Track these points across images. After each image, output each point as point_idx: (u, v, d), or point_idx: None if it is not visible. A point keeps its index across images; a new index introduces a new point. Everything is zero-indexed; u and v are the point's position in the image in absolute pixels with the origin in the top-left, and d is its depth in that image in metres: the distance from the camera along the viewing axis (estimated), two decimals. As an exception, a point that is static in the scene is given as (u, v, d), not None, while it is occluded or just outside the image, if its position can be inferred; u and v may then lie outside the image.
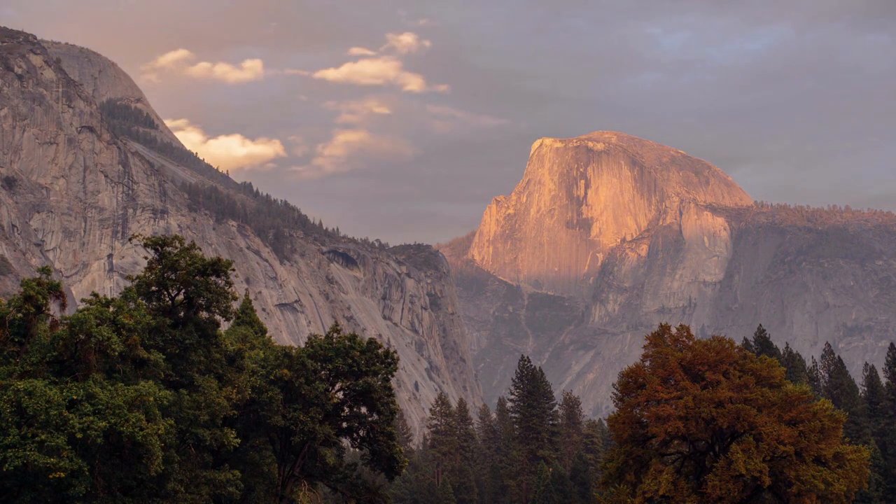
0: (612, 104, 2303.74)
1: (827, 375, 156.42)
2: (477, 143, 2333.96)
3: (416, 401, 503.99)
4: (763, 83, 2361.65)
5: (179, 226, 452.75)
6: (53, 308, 58.39)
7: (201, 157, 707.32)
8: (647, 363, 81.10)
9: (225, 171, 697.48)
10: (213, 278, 69.08)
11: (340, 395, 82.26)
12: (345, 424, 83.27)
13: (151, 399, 54.16)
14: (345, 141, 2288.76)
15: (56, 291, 57.49)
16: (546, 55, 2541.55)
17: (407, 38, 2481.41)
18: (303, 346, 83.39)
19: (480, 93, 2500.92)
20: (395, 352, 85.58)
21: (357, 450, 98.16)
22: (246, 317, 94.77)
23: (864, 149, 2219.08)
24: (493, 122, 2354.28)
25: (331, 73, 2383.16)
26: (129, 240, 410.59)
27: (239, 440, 69.54)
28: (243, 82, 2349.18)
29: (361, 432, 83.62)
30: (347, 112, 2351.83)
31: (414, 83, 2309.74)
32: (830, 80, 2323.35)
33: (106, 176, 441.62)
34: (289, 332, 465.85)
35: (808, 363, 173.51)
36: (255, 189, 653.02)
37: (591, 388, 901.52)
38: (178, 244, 69.27)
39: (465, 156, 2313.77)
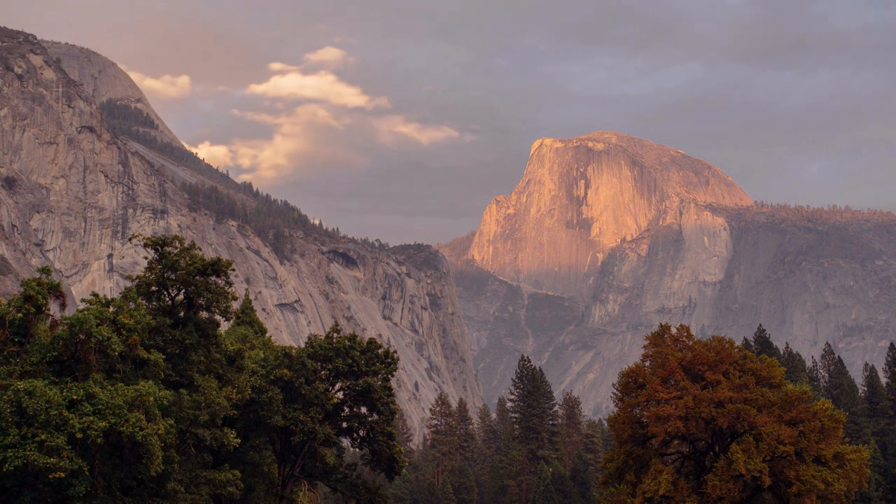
0: (549, 128, 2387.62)
1: (827, 375, 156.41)
2: (430, 154, 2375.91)
3: (416, 401, 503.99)
4: (680, 117, 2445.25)
5: (179, 226, 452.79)
6: (53, 308, 58.35)
7: (201, 157, 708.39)
8: (647, 363, 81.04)
9: (225, 171, 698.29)
10: (213, 278, 69.03)
11: (340, 395, 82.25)
12: (345, 424, 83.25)
13: (151, 399, 54.14)
14: (288, 151, 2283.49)
15: (56, 291, 57.47)
16: (475, 88, 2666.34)
17: (330, 53, 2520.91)
18: (303, 346, 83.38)
19: (420, 110, 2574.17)
20: (395, 352, 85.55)
21: (357, 450, 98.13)
22: (246, 317, 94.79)
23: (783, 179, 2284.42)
24: (439, 134, 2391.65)
25: (260, 88, 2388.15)
26: (129, 240, 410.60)
27: (239, 440, 69.50)
28: (174, 97, 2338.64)
29: (361, 432, 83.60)
30: (290, 124, 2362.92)
31: (350, 96, 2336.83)
32: (743, 115, 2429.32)
33: (106, 176, 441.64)
34: (289, 332, 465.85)
35: (808, 363, 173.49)
36: (255, 189, 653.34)
37: (591, 388, 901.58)
38: (178, 244, 69.19)
39: (418, 168, 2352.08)
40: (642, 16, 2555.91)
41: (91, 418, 50.87)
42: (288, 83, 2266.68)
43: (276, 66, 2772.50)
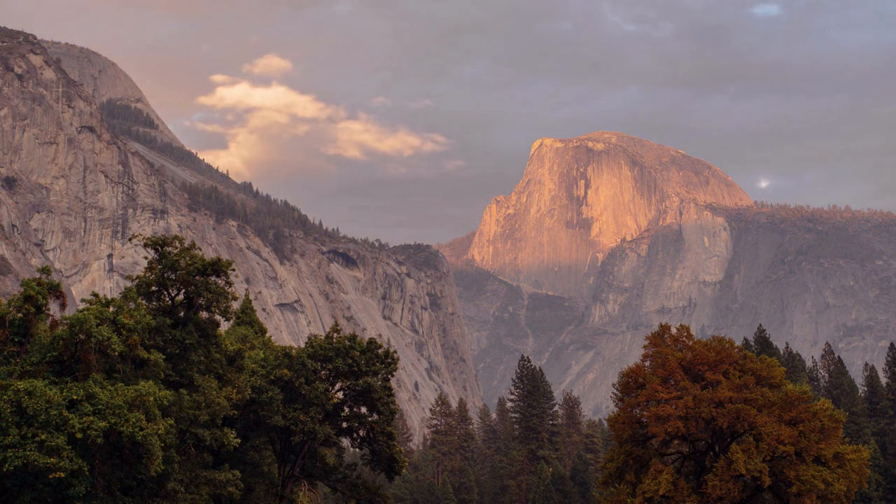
0: (503, 152, 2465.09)
1: (827, 375, 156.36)
2: (392, 161, 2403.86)
3: (416, 401, 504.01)
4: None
5: (179, 226, 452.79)
6: (53, 308, 58.34)
7: (201, 157, 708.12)
8: (647, 363, 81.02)
9: (225, 171, 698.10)
10: (213, 278, 68.94)
11: (340, 395, 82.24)
12: (345, 424, 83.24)
13: (151, 399, 54.12)
14: (245, 159, 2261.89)
15: (56, 291, 57.47)
16: (421, 115, 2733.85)
17: (276, 63, 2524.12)
18: (303, 346, 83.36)
19: (378, 120, 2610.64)
20: (395, 352, 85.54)
21: (357, 450, 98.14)
22: (246, 317, 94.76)
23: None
24: (398, 143, 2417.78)
25: (209, 100, 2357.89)
26: (129, 240, 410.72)
27: (239, 440, 69.45)
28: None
29: (361, 432, 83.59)
30: (245, 133, 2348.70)
31: (305, 104, 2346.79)
32: (681, 139, 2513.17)
33: (106, 176, 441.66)
34: (289, 332, 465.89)
35: (808, 363, 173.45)
36: (255, 189, 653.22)
37: (591, 388, 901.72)
38: (178, 244, 69.10)
39: (383, 176, 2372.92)
40: (573, 50, 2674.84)
41: (91, 418, 50.86)
42: (236, 93, 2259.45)
43: (218, 77, 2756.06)
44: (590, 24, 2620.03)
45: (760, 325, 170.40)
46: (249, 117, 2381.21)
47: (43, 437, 49.32)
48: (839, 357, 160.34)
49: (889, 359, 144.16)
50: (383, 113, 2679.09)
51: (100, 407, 51.86)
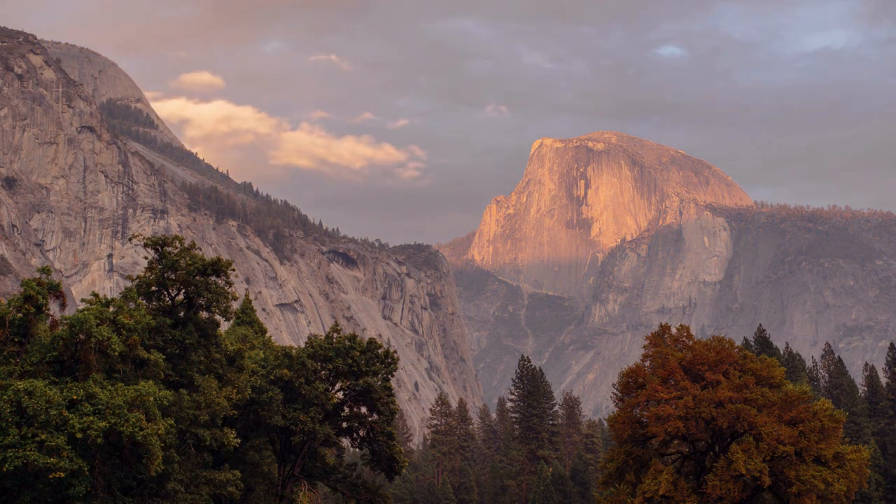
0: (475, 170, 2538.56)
1: (827, 375, 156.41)
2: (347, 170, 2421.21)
3: (416, 401, 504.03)
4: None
5: (179, 226, 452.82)
6: (53, 308, 58.35)
7: (201, 157, 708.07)
8: (647, 363, 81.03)
9: (225, 171, 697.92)
10: (213, 278, 68.94)
11: (340, 395, 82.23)
12: (345, 424, 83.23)
13: (151, 399, 54.13)
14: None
15: (56, 291, 57.49)
16: (364, 128, 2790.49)
17: (204, 77, 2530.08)
18: (303, 346, 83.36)
19: (321, 131, 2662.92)
20: (395, 352, 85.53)
21: (357, 450, 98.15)
22: (246, 317, 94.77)
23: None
24: (348, 154, 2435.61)
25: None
26: (129, 240, 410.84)
27: (239, 440, 69.46)
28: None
29: (361, 432, 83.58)
30: (187, 145, 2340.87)
31: (247, 114, 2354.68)
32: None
33: (106, 176, 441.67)
34: (289, 332, 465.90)
35: (808, 363, 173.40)
36: (255, 189, 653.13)
37: (591, 388, 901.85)
38: (178, 244, 69.07)
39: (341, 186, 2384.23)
40: (500, 85, 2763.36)
41: (91, 418, 50.87)
42: (170, 107, 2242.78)
43: (148, 94, 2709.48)
44: (511, 62, 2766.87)
45: (760, 325, 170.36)
46: (186, 128, 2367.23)
47: (43, 437, 49.33)
48: (839, 357, 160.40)
49: (889, 359, 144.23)
50: (325, 126, 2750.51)
51: (100, 407, 51.86)
